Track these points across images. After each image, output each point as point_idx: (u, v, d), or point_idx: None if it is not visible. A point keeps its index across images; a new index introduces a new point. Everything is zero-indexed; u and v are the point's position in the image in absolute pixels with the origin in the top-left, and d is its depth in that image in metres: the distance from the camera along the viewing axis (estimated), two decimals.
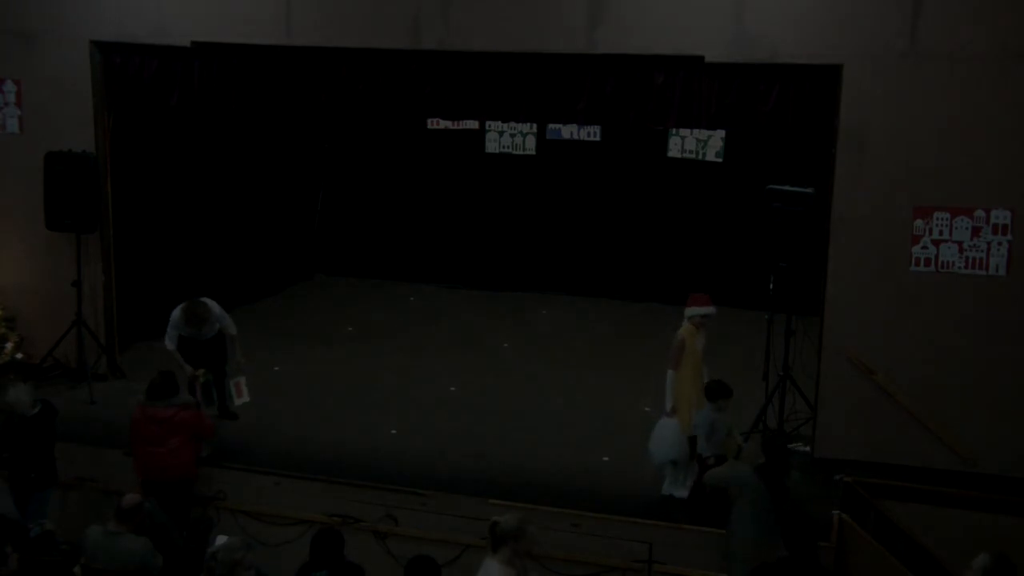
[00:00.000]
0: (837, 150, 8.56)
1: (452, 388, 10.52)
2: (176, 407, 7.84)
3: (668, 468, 8.19)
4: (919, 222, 8.41)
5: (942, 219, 8.36)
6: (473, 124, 13.42)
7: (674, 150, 12.91)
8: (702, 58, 8.62)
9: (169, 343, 8.99)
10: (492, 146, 13.68)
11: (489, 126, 13.57)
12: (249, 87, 9.97)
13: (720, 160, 12.71)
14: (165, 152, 11.53)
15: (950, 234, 8.37)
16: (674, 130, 12.59)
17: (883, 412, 8.56)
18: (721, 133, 12.50)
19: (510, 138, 13.60)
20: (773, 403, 9.13)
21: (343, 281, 14.63)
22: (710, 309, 8.19)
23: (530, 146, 13.56)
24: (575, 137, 13.25)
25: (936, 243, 8.40)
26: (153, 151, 11.30)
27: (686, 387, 8.05)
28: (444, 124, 13.56)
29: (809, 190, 8.83)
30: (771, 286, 9.20)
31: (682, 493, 8.12)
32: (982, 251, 8.32)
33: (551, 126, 13.16)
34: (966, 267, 8.37)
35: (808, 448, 8.90)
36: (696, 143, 12.79)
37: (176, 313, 8.93)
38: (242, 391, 9.14)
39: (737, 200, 12.58)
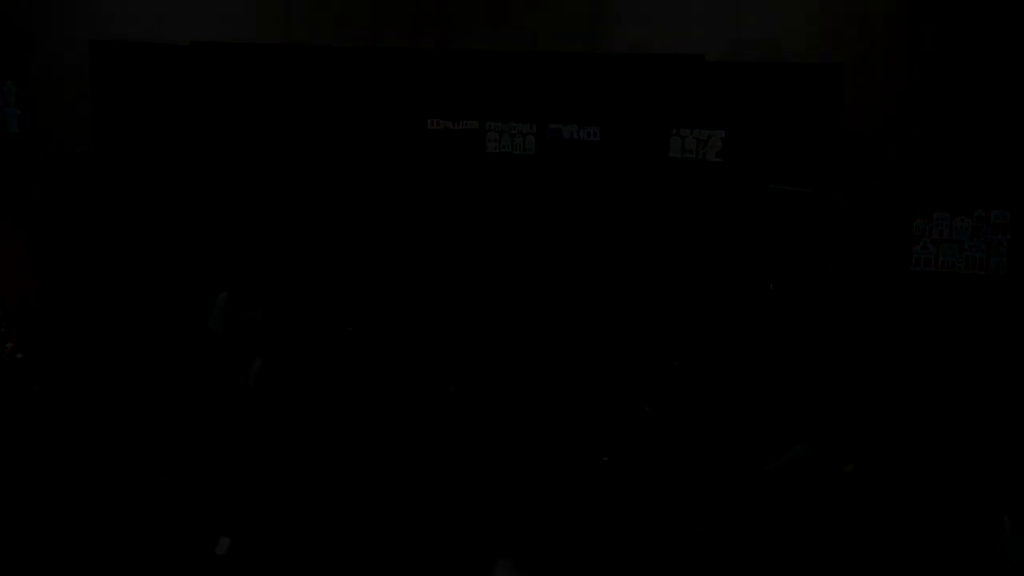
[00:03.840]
0: (837, 150, 8.56)
1: (452, 388, 10.51)
2: None
3: None
4: (919, 222, 8.41)
5: (942, 219, 8.37)
6: (473, 124, 13.43)
7: (674, 150, 12.90)
8: (702, 58, 8.62)
9: (215, 325, 9.43)
10: (492, 146, 13.67)
11: (489, 126, 13.56)
12: (248, 87, 9.97)
13: (720, 160, 12.70)
14: (165, 152, 11.50)
15: (950, 234, 8.37)
16: (674, 130, 12.59)
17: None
18: (721, 133, 12.48)
19: (510, 138, 13.60)
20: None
21: (341, 279, 14.62)
22: None
23: (530, 146, 13.55)
24: (575, 137, 13.24)
25: (936, 243, 8.40)
26: (153, 151, 11.28)
27: None
28: (444, 124, 13.57)
29: (809, 190, 8.82)
30: (771, 287, 9.19)
31: None
32: (982, 251, 8.32)
33: (551, 126, 13.16)
34: (966, 267, 8.37)
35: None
36: (696, 143, 12.78)
37: (222, 296, 9.39)
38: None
39: (737, 200, 12.56)
